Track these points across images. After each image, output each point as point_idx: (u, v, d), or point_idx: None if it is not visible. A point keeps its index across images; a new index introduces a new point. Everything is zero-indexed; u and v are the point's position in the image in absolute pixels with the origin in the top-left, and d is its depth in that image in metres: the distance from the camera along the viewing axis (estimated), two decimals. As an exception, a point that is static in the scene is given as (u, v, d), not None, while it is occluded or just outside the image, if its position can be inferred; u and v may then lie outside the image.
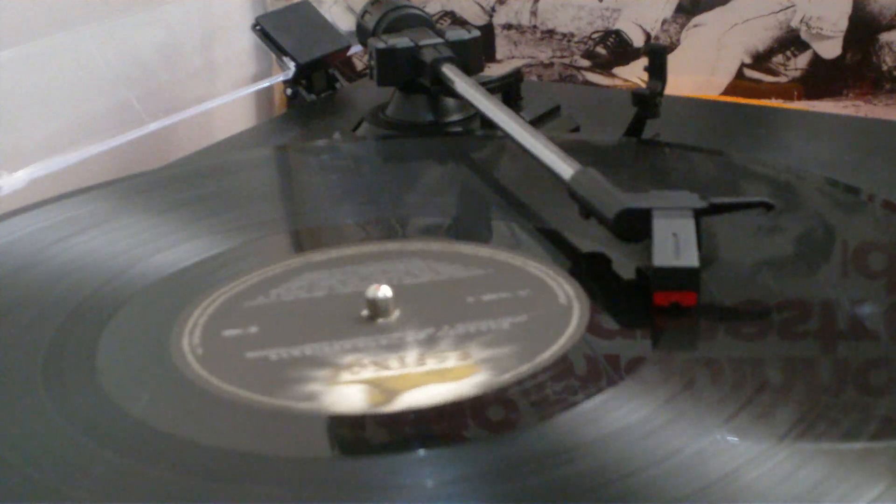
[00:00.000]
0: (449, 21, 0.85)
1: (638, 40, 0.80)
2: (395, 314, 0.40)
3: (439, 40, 0.60)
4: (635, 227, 0.42)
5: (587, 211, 0.44)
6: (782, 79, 0.77)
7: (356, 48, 0.72)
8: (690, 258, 0.39)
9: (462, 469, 0.32)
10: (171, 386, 0.37)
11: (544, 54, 0.83)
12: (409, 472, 0.32)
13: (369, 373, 0.37)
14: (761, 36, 0.77)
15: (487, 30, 0.84)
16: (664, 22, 0.79)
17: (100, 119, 0.73)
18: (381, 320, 0.40)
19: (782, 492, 0.30)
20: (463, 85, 0.57)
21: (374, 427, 0.35)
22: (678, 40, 0.79)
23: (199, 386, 0.37)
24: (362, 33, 0.64)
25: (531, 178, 0.50)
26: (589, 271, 0.43)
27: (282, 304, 0.42)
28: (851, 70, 0.75)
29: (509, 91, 0.61)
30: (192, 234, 0.48)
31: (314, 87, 0.72)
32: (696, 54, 0.79)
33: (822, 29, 0.75)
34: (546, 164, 0.48)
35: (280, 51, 0.71)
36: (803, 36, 0.76)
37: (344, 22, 0.83)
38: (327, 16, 0.76)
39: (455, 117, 0.61)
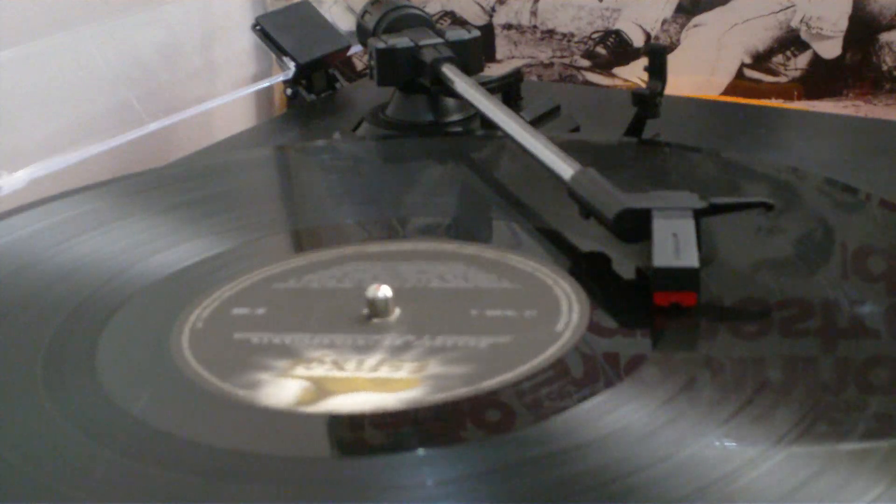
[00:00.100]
0: (449, 21, 0.85)
1: (638, 40, 0.80)
2: (395, 315, 0.40)
3: (439, 40, 0.60)
4: (635, 228, 0.42)
5: (587, 211, 0.44)
6: (782, 79, 0.77)
7: (356, 48, 0.72)
8: (690, 258, 0.39)
9: (461, 469, 0.32)
10: (171, 386, 0.37)
11: (544, 54, 0.83)
12: (407, 472, 0.32)
13: (322, 370, 0.37)
14: (761, 36, 0.77)
15: (487, 30, 0.84)
16: (664, 22, 0.79)
17: (100, 119, 0.73)
18: (376, 320, 0.40)
19: (782, 492, 0.30)
20: (463, 85, 0.57)
21: (374, 427, 0.35)
22: (678, 40, 0.79)
23: (199, 385, 0.37)
24: (362, 33, 0.64)
25: (531, 178, 0.50)
26: (589, 271, 0.43)
27: (305, 291, 0.42)
28: (851, 70, 0.75)
29: (509, 91, 0.61)
30: (192, 234, 0.48)
31: (314, 87, 0.72)
32: (696, 54, 0.79)
33: (822, 29, 0.75)
34: (546, 164, 0.48)
35: (280, 51, 0.71)
36: (803, 36, 0.76)
37: (344, 22, 0.83)
38: (327, 16, 0.76)
39: (455, 117, 0.61)
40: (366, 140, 0.61)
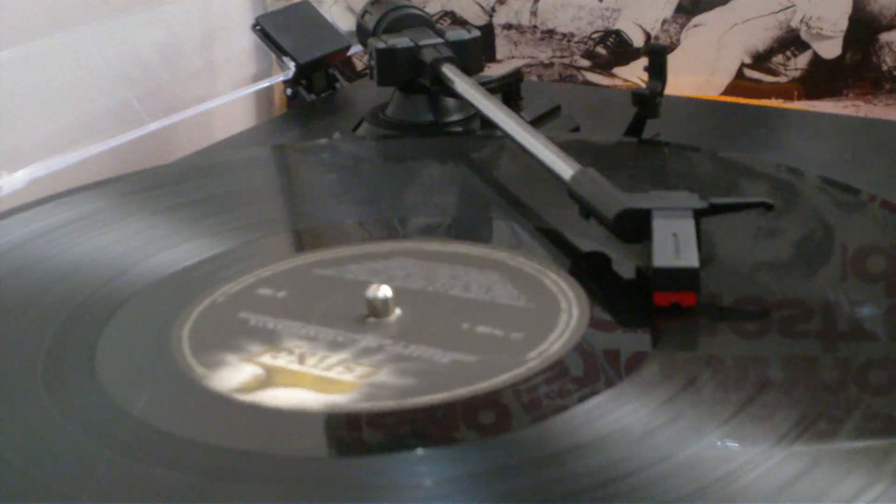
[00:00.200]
0: (449, 21, 0.85)
1: (638, 40, 0.80)
2: (394, 316, 0.40)
3: (439, 40, 0.60)
4: (635, 228, 0.41)
5: (587, 211, 0.44)
6: (782, 79, 0.77)
7: (356, 48, 0.72)
8: (690, 258, 0.39)
9: (461, 469, 0.32)
10: (171, 385, 0.37)
11: (544, 54, 0.83)
12: (406, 471, 0.32)
13: (283, 361, 0.38)
14: (761, 36, 0.77)
15: (487, 30, 0.84)
16: (664, 22, 0.79)
17: (100, 119, 0.73)
18: (372, 319, 0.40)
19: (782, 492, 0.30)
20: (463, 85, 0.57)
21: (375, 427, 0.35)
22: (678, 40, 0.79)
23: (199, 385, 0.37)
24: (362, 33, 0.64)
25: (531, 178, 0.50)
26: (589, 271, 0.43)
27: (336, 281, 0.42)
28: (851, 70, 0.75)
29: (509, 91, 0.61)
30: (192, 234, 0.48)
31: (314, 87, 0.72)
32: (696, 54, 0.79)
33: (822, 29, 0.75)
34: (546, 164, 0.48)
35: (280, 51, 0.71)
36: (803, 36, 0.76)
37: (344, 22, 0.83)
38: (327, 16, 0.76)
39: (455, 117, 0.61)
40: (366, 140, 0.61)
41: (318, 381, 0.36)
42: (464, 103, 0.59)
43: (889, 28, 0.74)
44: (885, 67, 0.74)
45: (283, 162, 0.59)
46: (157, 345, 0.39)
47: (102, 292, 0.43)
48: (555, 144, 0.48)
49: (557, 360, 0.37)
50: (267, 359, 0.38)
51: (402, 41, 0.60)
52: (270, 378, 0.37)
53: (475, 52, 0.61)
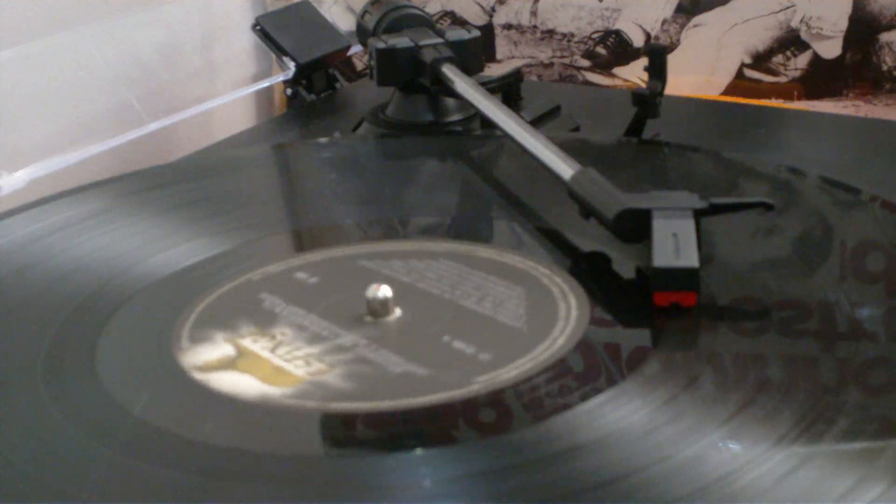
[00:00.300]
0: (449, 21, 0.85)
1: (638, 40, 0.80)
2: (392, 316, 0.40)
3: (439, 40, 0.60)
4: (635, 228, 0.42)
5: (587, 211, 0.44)
6: (782, 79, 0.77)
7: (356, 48, 0.72)
8: (690, 258, 0.39)
9: (461, 469, 0.32)
10: (171, 385, 0.37)
11: (544, 54, 0.83)
12: (406, 471, 0.32)
13: (259, 346, 0.39)
14: (761, 36, 0.77)
15: (487, 30, 0.84)
16: (664, 22, 0.79)
17: (100, 119, 0.73)
18: (368, 318, 0.40)
19: (782, 492, 0.30)
20: (463, 85, 0.57)
21: (376, 426, 0.35)
22: (678, 40, 0.79)
23: (199, 384, 0.37)
24: (362, 33, 0.64)
25: (531, 177, 0.50)
26: (589, 271, 0.43)
27: (374, 275, 0.42)
28: (851, 70, 0.75)
29: (509, 91, 0.61)
30: (192, 234, 0.48)
31: (314, 87, 0.72)
32: (696, 54, 0.79)
33: (822, 29, 0.75)
34: (546, 164, 0.48)
35: (280, 51, 0.71)
36: (803, 36, 0.76)
37: (344, 22, 0.83)
38: (327, 16, 0.76)
39: (455, 117, 0.61)
40: (366, 139, 0.61)
41: (273, 370, 0.37)
42: (464, 103, 0.59)
43: (889, 28, 0.74)
44: (885, 67, 0.74)
45: (283, 161, 0.59)
46: (158, 344, 0.39)
47: (102, 292, 0.43)
48: (555, 144, 0.48)
49: (558, 359, 0.37)
50: (247, 341, 0.39)
51: (402, 41, 0.60)
52: (236, 360, 0.38)
53: (475, 52, 0.61)
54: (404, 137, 0.60)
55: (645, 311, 0.39)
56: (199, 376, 0.37)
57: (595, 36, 0.81)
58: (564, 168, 0.46)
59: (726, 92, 0.79)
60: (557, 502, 0.30)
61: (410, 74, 0.60)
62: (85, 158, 0.63)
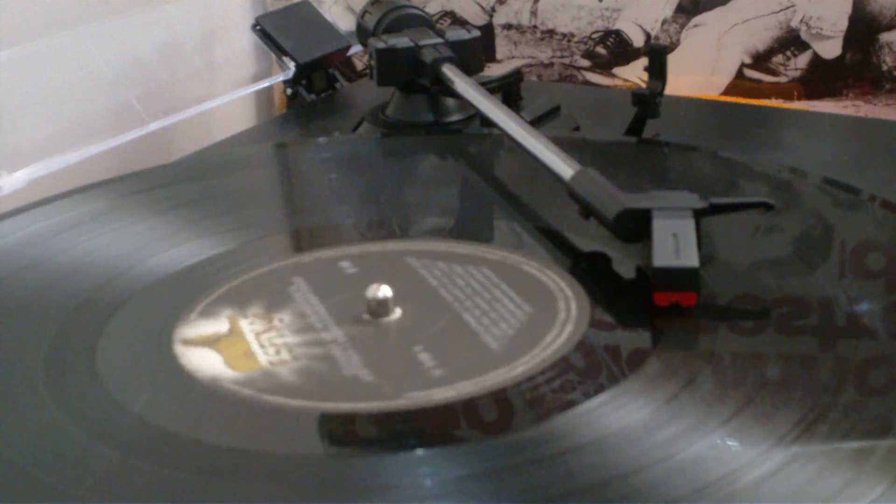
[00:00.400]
0: (449, 21, 0.85)
1: (638, 40, 0.80)
2: (391, 316, 0.40)
3: (439, 40, 0.60)
4: (635, 228, 0.42)
5: (587, 211, 0.44)
6: (782, 79, 0.77)
7: (356, 48, 0.72)
8: (690, 258, 0.39)
9: (460, 469, 0.32)
10: (172, 385, 0.37)
11: (544, 54, 0.83)
12: (405, 471, 0.32)
13: (253, 327, 0.40)
14: (761, 36, 0.77)
15: (487, 30, 0.84)
16: (664, 22, 0.79)
17: (100, 119, 0.73)
18: (366, 316, 0.40)
19: (782, 492, 0.30)
20: (463, 85, 0.57)
21: (376, 426, 0.35)
22: (678, 40, 0.79)
23: (200, 384, 0.37)
24: (362, 33, 0.64)
25: (531, 177, 0.50)
26: (589, 271, 0.43)
27: (410, 275, 0.43)
28: (851, 70, 0.75)
29: (509, 91, 0.61)
30: (192, 234, 0.48)
31: (314, 87, 0.72)
32: (696, 54, 0.79)
33: (822, 29, 0.75)
34: (546, 164, 0.48)
35: (280, 51, 0.71)
36: (803, 36, 0.76)
37: (344, 22, 0.83)
38: (327, 16, 0.76)
39: (455, 117, 0.61)
40: (367, 137, 0.61)
41: (243, 354, 0.38)
42: (464, 103, 0.59)
43: (889, 28, 0.74)
44: (885, 67, 0.74)
45: (283, 161, 0.59)
46: (158, 344, 0.39)
47: (102, 292, 0.43)
48: (555, 144, 0.48)
49: (558, 359, 0.37)
50: (245, 322, 0.40)
51: (402, 41, 0.60)
52: (221, 339, 0.39)
53: (475, 52, 0.61)
54: (405, 136, 0.60)
55: (645, 311, 0.39)
56: (178, 348, 0.39)
57: (595, 36, 0.81)
58: (564, 168, 0.46)
59: (726, 92, 0.79)
60: (557, 502, 0.30)
61: (410, 74, 0.60)
62: (85, 158, 0.63)
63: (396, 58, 0.60)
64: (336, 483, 0.32)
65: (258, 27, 0.71)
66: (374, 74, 0.61)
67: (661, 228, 0.40)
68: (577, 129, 0.61)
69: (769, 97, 0.77)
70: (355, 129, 0.63)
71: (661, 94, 0.55)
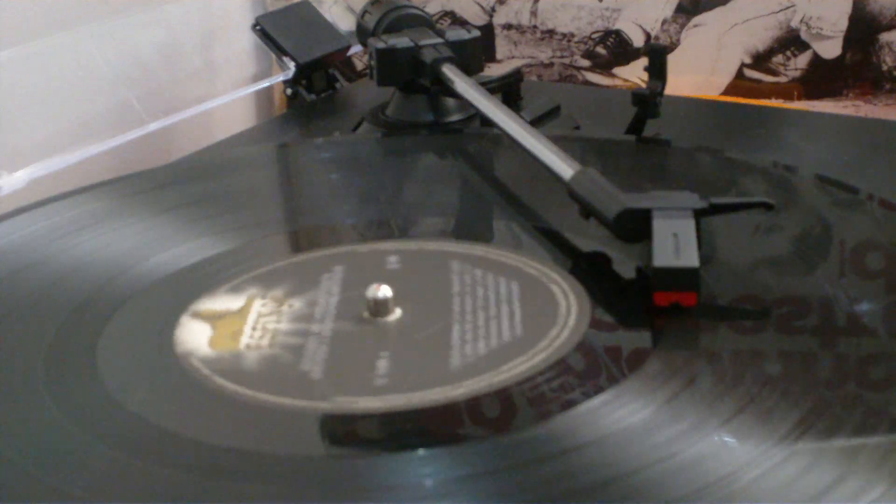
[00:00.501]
0: (449, 21, 0.85)
1: (638, 40, 0.80)
2: (391, 316, 0.40)
3: (439, 40, 0.60)
4: (635, 228, 0.42)
5: (587, 211, 0.44)
6: (782, 79, 0.77)
7: (356, 48, 0.72)
8: (690, 258, 0.39)
9: (460, 469, 0.32)
10: (173, 385, 0.37)
11: (544, 54, 0.83)
12: (405, 471, 0.32)
13: (260, 308, 0.41)
14: (761, 36, 0.77)
15: (487, 30, 0.84)
16: (664, 22, 0.79)
17: (100, 119, 0.73)
18: (366, 314, 0.40)
19: (782, 492, 0.30)
20: (463, 85, 0.57)
21: (376, 425, 0.35)
22: (678, 40, 0.79)
23: (200, 384, 0.37)
24: (362, 33, 0.64)
25: (531, 177, 0.50)
26: (589, 271, 0.43)
27: (445, 276, 0.43)
28: (851, 70, 0.75)
29: (509, 91, 0.61)
30: (192, 234, 0.48)
31: (314, 87, 0.72)
32: (696, 54, 0.79)
33: (822, 29, 0.75)
34: (546, 165, 0.48)
35: (280, 51, 0.71)
36: (803, 36, 0.76)
37: (344, 22, 0.83)
38: (327, 16, 0.76)
39: (455, 117, 0.61)
40: (367, 137, 0.61)
41: (232, 333, 0.39)
42: (464, 103, 0.59)
43: (889, 28, 0.74)
44: (885, 67, 0.74)
45: (283, 161, 0.59)
46: (158, 344, 0.39)
47: (103, 292, 0.43)
48: (555, 144, 0.48)
49: (558, 359, 0.37)
50: (259, 302, 0.41)
51: (402, 41, 0.60)
52: (224, 316, 0.41)
53: (475, 52, 0.61)
54: (405, 136, 0.60)
55: (645, 311, 0.39)
56: (184, 318, 0.40)
57: (595, 36, 0.81)
58: (564, 168, 0.46)
59: (726, 92, 0.79)
60: (557, 502, 0.30)
61: (410, 74, 0.60)
62: (85, 158, 0.63)
63: (396, 58, 0.60)
64: (339, 483, 0.32)
65: (258, 27, 0.71)
66: (374, 74, 0.61)
67: (661, 228, 0.40)
68: (577, 128, 0.61)
69: (769, 97, 0.77)
70: (355, 129, 0.63)
71: (661, 94, 0.55)
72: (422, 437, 0.34)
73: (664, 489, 0.30)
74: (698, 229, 0.41)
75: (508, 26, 0.84)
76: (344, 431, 0.35)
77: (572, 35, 0.82)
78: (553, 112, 0.62)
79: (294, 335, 0.39)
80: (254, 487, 0.32)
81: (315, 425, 0.35)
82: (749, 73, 0.78)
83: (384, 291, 0.40)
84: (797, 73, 0.77)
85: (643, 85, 0.56)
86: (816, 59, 0.76)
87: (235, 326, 0.40)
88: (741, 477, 0.30)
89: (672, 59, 0.56)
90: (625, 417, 0.33)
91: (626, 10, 0.80)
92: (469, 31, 0.61)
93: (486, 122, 0.56)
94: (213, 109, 0.75)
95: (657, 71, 0.55)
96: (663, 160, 0.54)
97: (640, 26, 0.80)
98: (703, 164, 0.54)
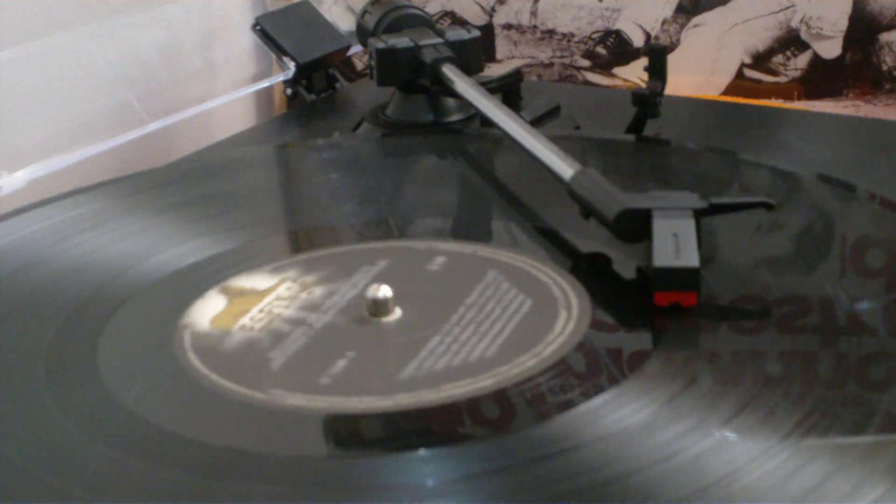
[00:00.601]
0: (449, 21, 0.85)
1: (638, 40, 0.80)
2: (391, 315, 0.40)
3: (439, 40, 0.60)
4: (635, 228, 0.41)
5: (587, 211, 0.44)
6: (782, 79, 0.77)
7: (356, 48, 0.72)
8: (691, 258, 0.39)
9: (460, 469, 0.32)
10: (173, 384, 0.37)
11: (544, 54, 0.83)
12: (405, 471, 0.32)
13: (281, 290, 0.42)
14: (761, 36, 0.77)
15: (487, 30, 0.84)
16: (664, 22, 0.79)
17: (100, 119, 0.73)
18: (366, 313, 0.40)
19: (783, 491, 0.30)
20: (463, 85, 0.57)
21: (377, 425, 0.35)
22: (678, 40, 0.79)
23: (200, 384, 0.37)
24: (362, 33, 0.64)
25: (531, 177, 0.50)
26: (589, 271, 0.43)
27: (474, 275, 0.43)
28: (851, 70, 0.75)
29: (509, 91, 0.61)
30: (192, 234, 0.48)
31: (314, 87, 0.72)
32: (696, 54, 0.79)
33: (822, 29, 0.75)
34: (546, 165, 0.48)
35: (280, 51, 0.71)
36: (803, 36, 0.76)
37: (344, 22, 0.83)
38: (327, 16, 0.76)
39: (455, 117, 0.61)
40: (367, 137, 0.61)
41: (236, 313, 0.40)
42: (464, 103, 0.59)
43: (889, 28, 0.74)
44: (885, 67, 0.74)
45: (283, 161, 0.59)
46: (159, 343, 0.39)
47: (103, 292, 0.43)
48: (555, 144, 0.48)
49: (558, 359, 0.37)
50: (285, 286, 0.42)
51: (402, 41, 0.60)
52: (247, 294, 0.42)
53: (475, 52, 0.61)
54: (405, 136, 0.60)
55: (645, 311, 0.39)
56: (210, 292, 0.42)
57: (595, 36, 0.81)
58: (564, 168, 0.46)
59: (726, 92, 0.79)
60: (557, 502, 0.30)
61: (410, 74, 0.60)
62: (85, 158, 0.63)
63: (396, 58, 0.60)
64: (339, 483, 0.32)
65: (258, 27, 0.71)
66: (374, 74, 0.61)
67: (662, 228, 0.40)
68: (577, 128, 0.61)
69: (769, 97, 0.77)
70: (355, 129, 0.63)
71: (661, 94, 0.55)
72: (419, 436, 0.34)
73: (664, 489, 0.30)
74: (698, 229, 0.41)
75: (508, 26, 0.84)
76: (346, 430, 0.35)
77: (572, 35, 0.82)
78: (553, 112, 0.62)
79: (289, 322, 0.40)
80: (255, 487, 0.32)
81: (315, 426, 0.35)
82: (749, 73, 0.78)
83: (384, 291, 0.40)
84: (797, 73, 0.77)
85: (643, 85, 0.56)
86: (816, 59, 0.76)
87: (246, 306, 0.41)
88: (741, 477, 0.30)
89: (672, 59, 0.56)
90: (625, 417, 0.33)
91: (626, 10, 0.80)
92: (469, 31, 0.61)
93: (486, 122, 0.56)
94: (213, 109, 0.75)
95: (657, 71, 0.55)
96: (663, 160, 0.54)
97: (640, 26, 0.80)
98: (703, 164, 0.54)
